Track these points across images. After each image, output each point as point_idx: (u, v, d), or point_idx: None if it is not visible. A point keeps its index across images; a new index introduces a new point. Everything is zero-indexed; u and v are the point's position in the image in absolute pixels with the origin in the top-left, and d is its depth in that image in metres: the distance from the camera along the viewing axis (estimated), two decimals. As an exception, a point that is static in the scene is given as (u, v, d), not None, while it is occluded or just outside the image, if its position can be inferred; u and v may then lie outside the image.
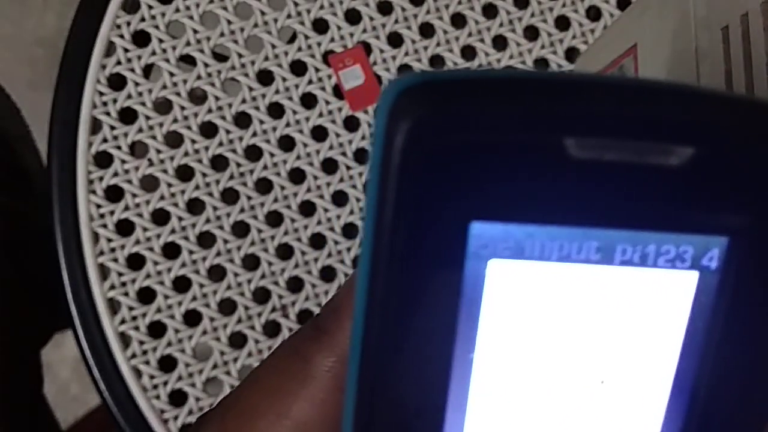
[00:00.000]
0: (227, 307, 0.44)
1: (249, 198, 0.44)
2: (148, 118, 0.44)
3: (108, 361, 0.43)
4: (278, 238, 0.44)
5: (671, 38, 0.29)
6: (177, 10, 0.45)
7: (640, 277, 0.15)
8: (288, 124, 0.45)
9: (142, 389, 0.43)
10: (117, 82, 0.45)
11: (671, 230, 0.14)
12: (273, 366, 0.19)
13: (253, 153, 0.45)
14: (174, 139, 0.45)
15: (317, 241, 0.45)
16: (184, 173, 0.44)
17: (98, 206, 0.44)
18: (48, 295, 0.49)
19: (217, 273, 0.44)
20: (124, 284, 0.44)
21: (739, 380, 0.15)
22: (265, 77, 0.45)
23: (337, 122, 0.45)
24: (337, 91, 0.45)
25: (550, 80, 0.14)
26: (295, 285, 0.45)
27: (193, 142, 0.44)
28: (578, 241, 0.14)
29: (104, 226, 0.44)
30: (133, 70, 0.45)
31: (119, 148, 0.44)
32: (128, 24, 0.45)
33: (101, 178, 0.44)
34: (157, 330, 0.44)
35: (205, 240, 0.44)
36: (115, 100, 0.44)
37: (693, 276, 0.15)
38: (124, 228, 0.44)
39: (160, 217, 0.44)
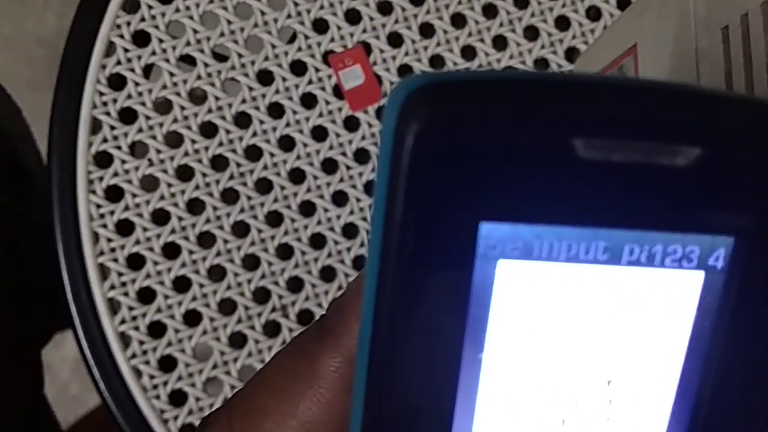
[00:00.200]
0: (227, 307, 0.44)
1: (249, 198, 0.44)
2: (148, 118, 0.44)
3: (108, 361, 0.43)
4: (278, 238, 0.44)
5: (671, 38, 0.29)
6: (177, 10, 0.45)
7: (646, 277, 0.15)
8: (288, 124, 0.45)
9: (142, 389, 0.43)
10: (117, 82, 0.45)
11: (678, 230, 0.14)
12: (279, 366, 0.19)
13: (253, 153, 0.45)
14: (174, 139, 0.45)
15: (317, 241, 0.45)
16: (184, 173, 0.44)
17: (98, 206, 0.44)
18: (48, 295, 0.49)
19: (217, 273, 0.44)
20: (124, 284, 0.44)
21: (746, 380, 0.15)
22: (265, 77, 0.45)
23: (337, 122, 0.45)
24: (337, 91, 0.45)
25: (558, 82, 0.14)
26: (295, 285, 0.45)
27: (193, 142, 0.44)
28: (586, 242, 0.14)
29: (104, 226, 0.44)
30: (133, 70, 0.45)
31: (119, 148, 0.44)
32: (128, 24, 0.45)
33: (101, 178, 0.44)
34: (157, 330, 0.44)
35: (205, 240, 0.44)
36: (115, 100, 0.44)
37: (699, 276, 0.15)
38: (124, 228, 0.44)
39: (160, 217, 0.44)
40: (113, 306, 0.44)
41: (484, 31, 0.46)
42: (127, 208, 0.44)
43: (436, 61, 0.46)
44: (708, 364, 0.15)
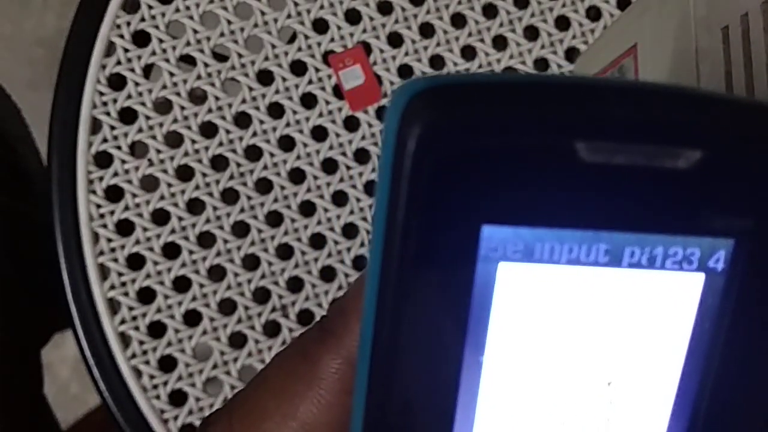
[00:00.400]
0: (227, 307, 0.44)
1: (249, 198, 0.44)
2: (148, 118, 0.44)
3: (108, 361, 0.43)
4: (278, 238, 0.44)
5: (671, 38, 0.29)
6: (177, 10, 0.45)
7: (647, 279, 0.15)
8: (288, 124, 0.45)
9: (142, 389, 0.43)
10: (117, 82, 0.45)
11: (678, 233, 0.14)
12: (280, 367, 0.19)
13: (253, 153, 0.45)
14: (174, 139, 0.45)
15: (317, 241, 0.45)
16: (184, 173, 0.44)
17: (98, 206, 0.44)
18: (48, 295, 0.49)
19: (217, 273, 0.44)
20: (124, 284, 0.44)
21: (745, 381, 0.15)
22: (265, 77, 0.45)
23: (337, 122, 0.45)
24: (337, 91, 0.45)
25: (560, 85, 0.14)
26: (295, 285, 0.45)
27: (193, 142, 0.44)
28: (587, 244, 0.14)
29: (104, 226, 0.44)
30: (133, 70, 0.45)
31: (119, 148, 0.44)
32: (128, 24, 0.45)
33: (101, 178, 0.44)
34: (157, 330, 0.44)
35: (205, 240, 0.44)
36: (115, 100, 0.44)
37: (700, 278, 0.15)
38: (124, 228, 0.44)
39: (160, 217, 0.44)
40: (113, 306, 0.44)
41: (484, 31, 0.46)
42: (127, 208, 0.44)
43: (436, 61, 0.46)
44: (708, 365, 0.15)
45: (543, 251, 0.14)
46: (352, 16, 0.45)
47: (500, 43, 0.46)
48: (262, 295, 0.44)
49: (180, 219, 0.44)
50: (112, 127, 0.44)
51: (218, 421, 0.20)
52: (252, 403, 0.19)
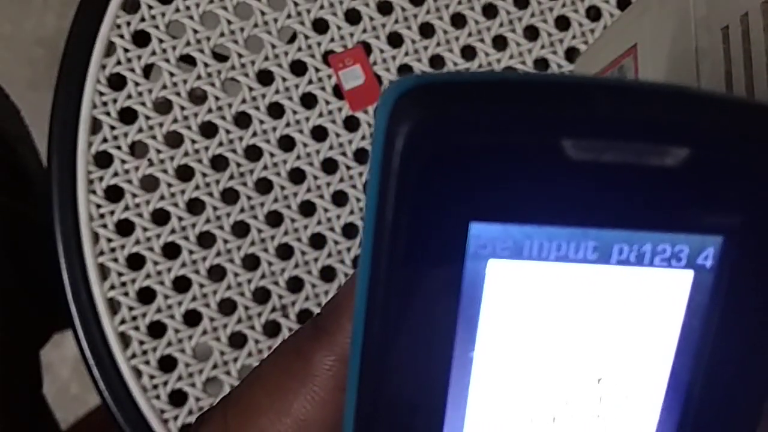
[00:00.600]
0: (227, 307, 0.44)
1: (249, 198, 0.44)
2: (148, 118, 0.44)
3: (108, 361, 0.43)
4: (278, 238, 0.44)
5: (671, 38, 0.29)
6: (177, 10, 0.45)
7: (636, 276, 0.15)
8: (288, 124, 0.45)
9: (142, 389, 0.43)
10: (117, 82, 0.45)
11: (667, 230, 0.15)
12: (274, 364, 0.19)
13: (253, 153, 0.45)
14: (174, 139, 0.45)
15: (317, 241, 0.45)
16: (184, 173, 0.44)
17: (98, 206, 0.44)
18: (48, 295, 0.49)
19: (217, 273, 0.44)
20: (124, 284, 0.44)
21: (734, 377, 0.16)
22: (265, 77, 0.45)
23: (337, 122, 0.45)
24: (337, 91, 0.45)
25: (547, 83, 0.14)
26: (295, 285, 0.45)
27: (193, 142, 0.44)
28: (576, 241, 0.15)
29: (104, 226, 0.44)
30: (133, 70, 0.45)
31: (119, 148, 0.44)
32: (128, 24, 0.45)
33: (101, 178, 0.44)
34: (157, 330, 0.44)
35: (205, 240, 0.44)
36: (115, 100, 0.44)
37: (688, 275, 0.15)
38: (124, 228, 0.44)
39: (160, 217, 0.44)
40: (113, 306, 0.44)
41: (484, 31, 0.46)
42: (127, 208, 0.44)
43: (436, 61, 0.46)
44: (697, 362, 0.15)
45: (532, 248, 0.14)
46: (352, 16, 0.45)
47: (500, 43, 0.46)
48: (262, 295, 0.44)
49: (180, 219, 0.44)
50: (112, 127, 0.44)
51: (213, 418, 0.20)
52: (246, 400, 0.19)
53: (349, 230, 0.45)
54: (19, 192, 0.53)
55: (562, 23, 0.46)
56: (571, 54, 0.46)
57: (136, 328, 0.44)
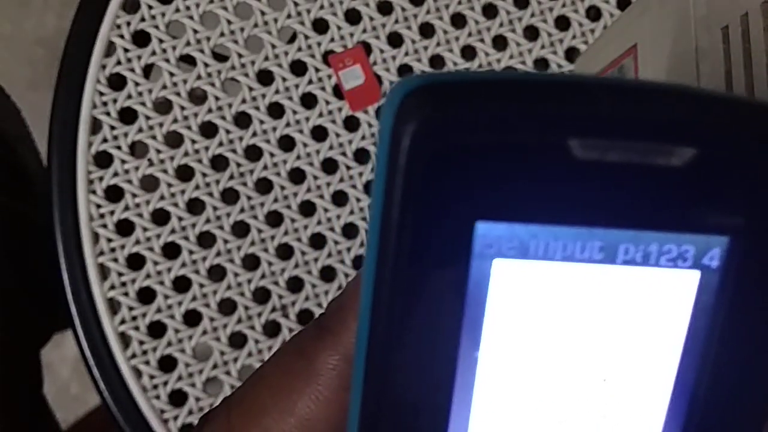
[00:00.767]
0: (227, 307, 0.44)
1: (249, 198, 0.44)
2: (148, 118, 0.44)
3: (108, 361, 0.43)
4: (278, 238, 0.44)
5: (671, 38, 0.29)
6: (177, 10, 0.45)
7: (642, 277, 0.15)
8: (288, 124, 0.45)
9: (142, 389, 0.43)
10: (117, 82, 0.45)
11: (673, 230, 0.15)
12: (278, 364, 0.19)
13: (253, 153, 0.45)
14: (174, 139, 0.45)
15: (317, 241, 0.45)
16: (184, 173, 0.44)
17: (98, 206, 0.44)
18: (48, 295, 0.49)
19: (217, 273, 0.44)
20: (124, 284, 0.44)
21: (740, 378, 0.16)
22: (265, 77, 0.45)
23: (337, 122, 0.45)
24: (337, 91, 0.45)
25: (554, 82, 0.14)
26: (295, 285, 0.45)
27: (193, 142, 0.44)
28: (582, 241, 0.14)
29: (104, 226, 0.44)
30: (133, 70, 0.45)
31: (119, 148, 0.44)
32: (128, 24, 0.45)
33: (101, 178, 0.44)
34: (157, 330, 0.44)
35: (205, 240, 0.44)
36: (115, 100, 0.44)
37: (695, 275, 0.15)
38: (124, 228, 0.44)
39: (160, 217, 0.44)
40: (113, 306, 0.44)
41: (484, 31, 0.46)
42: (127, 208, 0.44)
43: (436, 61, 0.46)
44: (703, 362, 0.15)
45: (537, 248, 0.14)
46: (352, 16, 0.45)
47: (500, 43, 0.46)
48: (262, 295, 0.44)
49: (180, 219, 0.44)
50: (112, 127, 0.44)
51: (216, 418, 0.20)
52: (250, 399, 0.19)
53: (349, 230, 0.45)
54: (19, 192, 0.53)
55: (562, 23, 0.46)
56: (571, 54, 0.46)
57: (136, 328, 0.44)
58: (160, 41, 0.45)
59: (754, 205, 0.14)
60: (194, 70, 0.45)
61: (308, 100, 0.45)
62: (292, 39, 0.45)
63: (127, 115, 0.45)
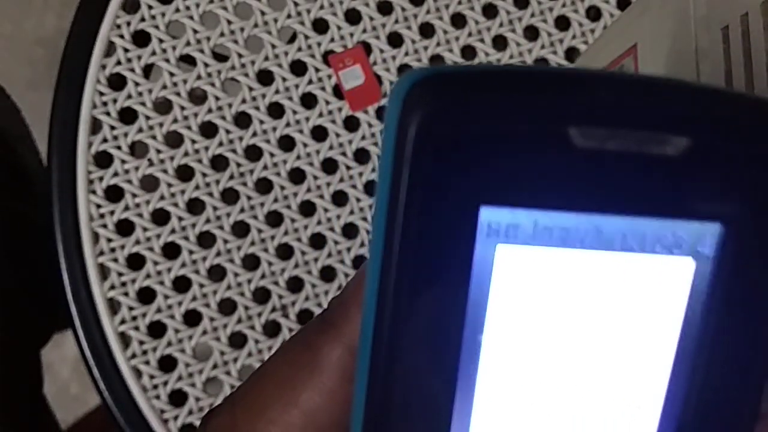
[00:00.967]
0: (227, 307, 0.44)
1: (249, 198, 0.44)
2: (148, 118, 0.44)
3: (108, 361, 0.43)
4: (278, 238, 0.44)
5: (671, 38, 0.29)
6: (177, 10, 0.45)
7: (639, 263, 0.15)
8: (288, 124, 0.45)
9: (142, 389, 0.43)
10: (117, 82, 0.45)
11: (669, 217, 0.15)
12: (282, 358, 0.20)
13: (253, 153, 0.45)
14: (174, 139, 0.45)
15: (317, 241, 0.45)
16: (184, 173, 0.44)
17: (98, 206, 0.44)
18: (48, 295, 0.49)
19: (217, 273, 0.44)
20: (124, 284, 0.44)
21: (736, 362, 0.16)
22: (265, 77, 0.45)
23: (337, 122, 0.45)
24: (337, 91, 0.45)
25: (554, 73, 0.15)
26: (295, 285, 0.45)
27: (193, 142, 0.44)
28: (581, 227, 0.15)
29: (104, 226, 0.44)
30: (133, 70, 0.45)
31: (119, 148, 0.44)
32: (128, 24, 0.45)
33: (101, 178, 0.44)
34: (157, 330, 0.44)
35: (205, 240, 0.44)
36: (115, 100, 0.44)
37: (690, 262, 0.15)
38: (124, 228, 0.44)
39: (160, 217, 0.44)
40: (113, 306, 0.44)
41: (484, 31, 0.46)
42: (127, 208, 0.44)
43: (436, 61, 0.46)
44: (700, 347, 0.16)
45: (538, 233, 0.15)
46: (352, 16, 0.45)
47: (500, 43, 0.46)
48: (262, 295, 0.44)
49: (180, 219, 0.44)
50: (112, 127, 0.44)
51: (222, 412, 0.20)
52: (255, 393, 0.20)
53: (349, 230, 0.45)
54: (19, 192, 0.53)
55: (562, 23, 0.46)
56: (571, 54, 0.46)
57: (136, 328, 0.44)
58: (160, 41, 0.45)
59: (748, 193, 0.15)
60: (194, 70, 0.45)
61: (308, 100, 0.45)
62: (292, 39, 0.45)
63: (127, 115, 0.45)
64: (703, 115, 0.14)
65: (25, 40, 1.03)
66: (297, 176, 0.45)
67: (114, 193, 0.44)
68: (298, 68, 0.45)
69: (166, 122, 0.44)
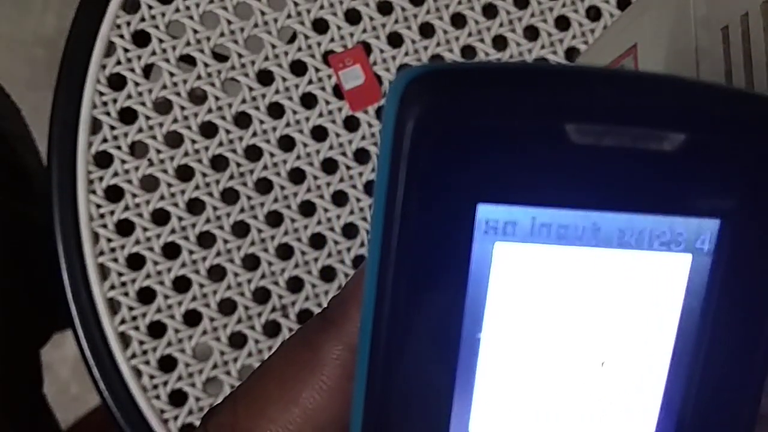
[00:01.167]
0: (227, 307, 0.44)
1: (249, 198, 0.44)
2: (148, 118, 0.44)
3: (108, 361, 0.43)
4: (278, 238, 0.44)
5: (671, 38, 0.29)
6: (177, 10, 0.45)
7: (637, 259, 0.15)
8: (288, 124, 0.45)
9: (142, 389, 0.43)
10: (117, 82, 0.45)
11: (666, 213, 0.15)
12: (282, 356, 0.20)
13: (253, 153, 0.45)
14: (174, 139, 0.45)
15: (317, 241, 0.45)
16: (184, 173, 0.44)
17: (98, 206, 0.44)
18: (48, 295, 0.49)
19: (217, 273, 0.44)
20: (124, 284, 0.44)
21: (733, 358, 0.16)
22: (265, 77, 0.45)
23: (337, 122, 0.45)
24: (337, 91, 0.45)
25: (552, 70, 0.15)
26: (295, 285, 0.45)
27: (193, 142, 0.44)
28: (578, 224, 0.15)
29: (104, 226, 0.44)
30: (133, 70, 0.45)
31: (119, 148, 0.44)
32: (128, 24, 0.45)
33: (101, 178, 0.44)
34: (157, 330, 0.44)
35: (205, 240, 0.44)
36: (115, 100, 0.44)
37: (687, 258, 0.15)
38: (124, 228, 0.44)
39: (160, 217, 0.44)
40: (113, 306, 0.44)
41: (484, 31, 0.46)
42: (127, 208, 0.44)
43: (436, 61, 0.46)
44: (698, 343, 0.16)
45: (536, 231, 0.15)
46: (352, 16, 0.45)
47: (500, 43, 0.46)
48: (262, 295, 0.44)
49: (180, 219, 0.44)
50: (112, 127, 0.44)
51: (223, 410, 0.20)
52: (256, 391, 0.20)
53: (349, 230, 0.45)
54: (19, 192, 0.53)
55: (562, 23, 0.46)
56: (571, 54, 0.46)
57: (136, 328, 0.44)
58: (160, 41, 0.45)
59: (744, 189, 0.15)
60: (194, 70, 0.45)
61: (308, 100, 0.45)
62: (292, 39, 0.45)
63: (127, 115, 0.45)
64: (699, 111, 0.14)
65: (25, 40, 1.03)
66: (297, 176, 0.45)
67: (114, 193, 0.44)
68: (298, 68, 0.45)
69: (166, 122, 0.44)
